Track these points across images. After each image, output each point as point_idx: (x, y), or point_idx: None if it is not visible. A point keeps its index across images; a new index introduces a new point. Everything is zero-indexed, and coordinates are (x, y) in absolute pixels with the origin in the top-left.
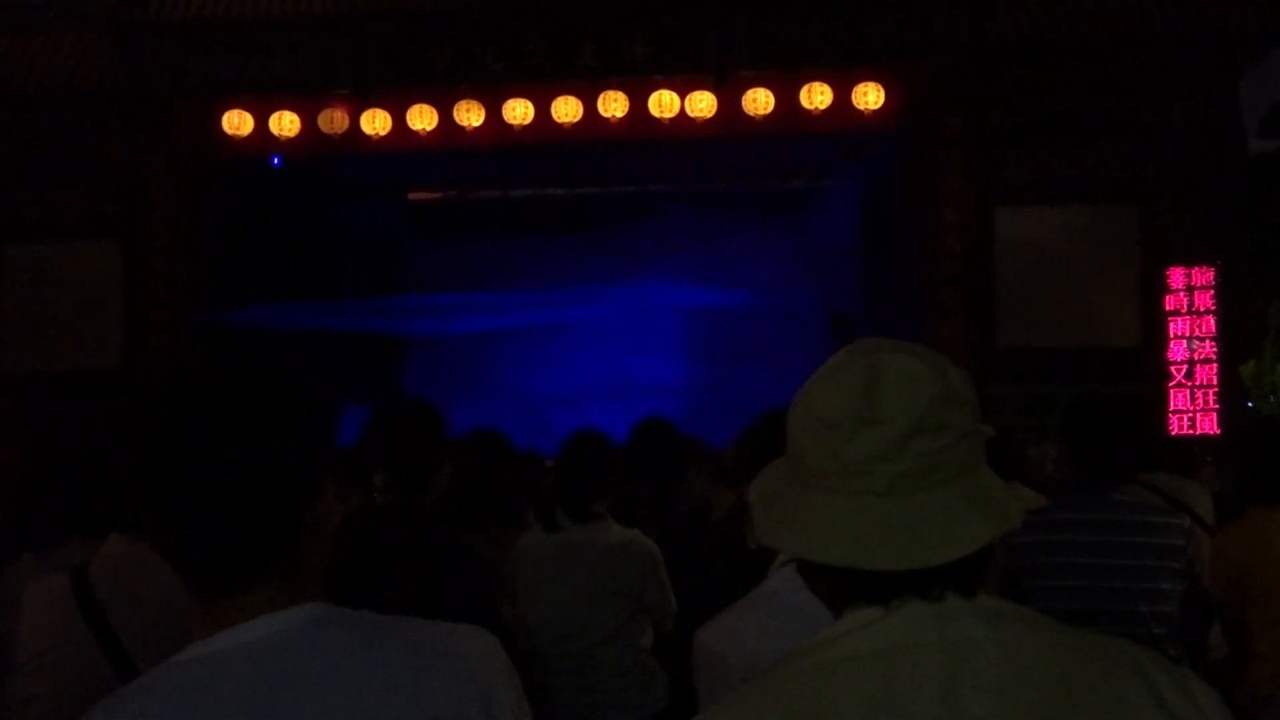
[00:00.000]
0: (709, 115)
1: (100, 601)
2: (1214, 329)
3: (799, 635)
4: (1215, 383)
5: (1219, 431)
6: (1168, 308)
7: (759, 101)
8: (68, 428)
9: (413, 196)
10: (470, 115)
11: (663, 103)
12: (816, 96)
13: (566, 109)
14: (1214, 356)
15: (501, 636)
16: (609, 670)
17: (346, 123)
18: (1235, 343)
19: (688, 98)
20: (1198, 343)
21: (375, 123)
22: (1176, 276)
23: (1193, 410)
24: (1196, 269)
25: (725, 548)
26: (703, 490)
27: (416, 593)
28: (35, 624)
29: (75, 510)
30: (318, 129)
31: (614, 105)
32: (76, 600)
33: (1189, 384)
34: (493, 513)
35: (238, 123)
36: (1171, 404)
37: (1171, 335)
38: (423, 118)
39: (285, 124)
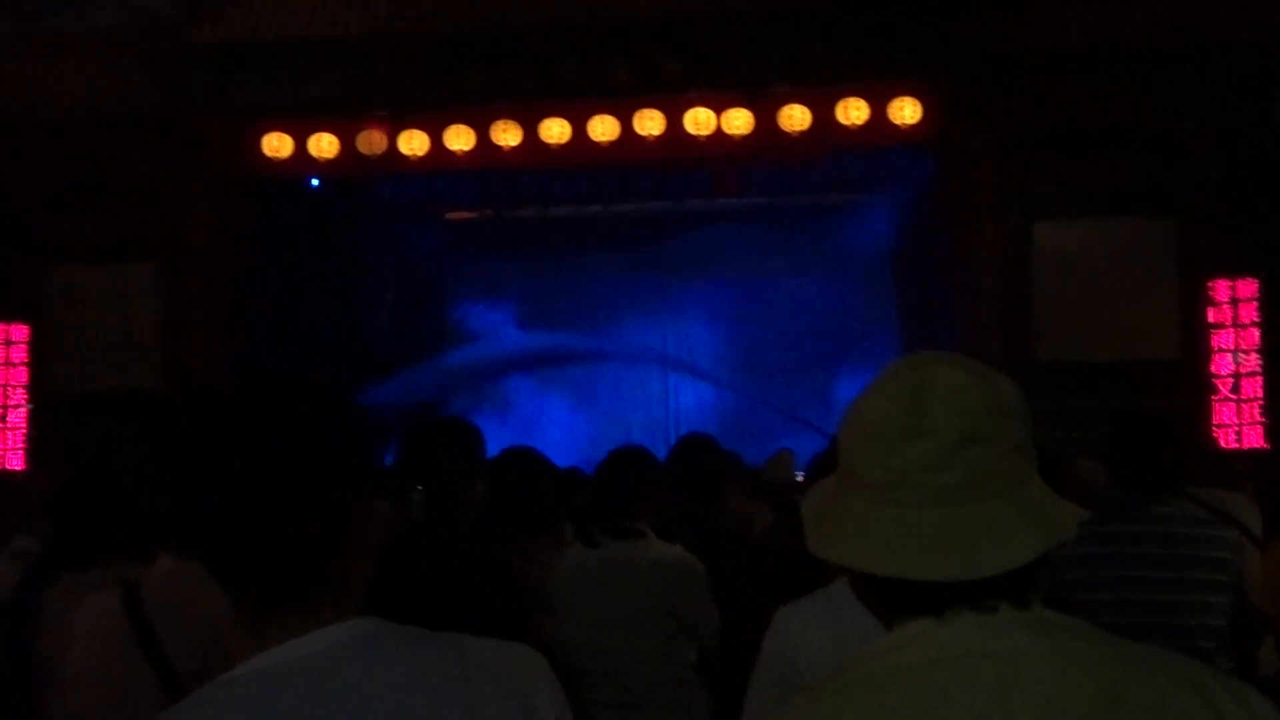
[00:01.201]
0: (745, 132)
1: (150, 618)
2: (1259, 341)
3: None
4: (1261, 396)
5: (1267, 445)
6: (1210, 320)
7: (795, 118)
8: (107, 448)
9: (450, 216)
10: (507, 135)
11: (698, 120)
12: (853, 112)
13: (602, 127)
14: (1259, 369)
15: (544, 653)
16: (650, 687)
17: (384, 143)
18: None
19: (723, 115)
20: (1242, 355)
21: (413, 143)
22: (1220, 289)
23: (1239, 424)
24: (1240, 281)
25: (766, 565)
26: (738, 506)
27: (459, 609)
28: (85, 640)
29: (114, 530)
30: (356, 150)
31: (649, 123)
32: (127, 617)
33: (1235, 398)
34: (526, 527)
35: (277, 145)
36: (1216, 418)
37: (1215, 348)
38: (460, 138)
39: (324, 145)
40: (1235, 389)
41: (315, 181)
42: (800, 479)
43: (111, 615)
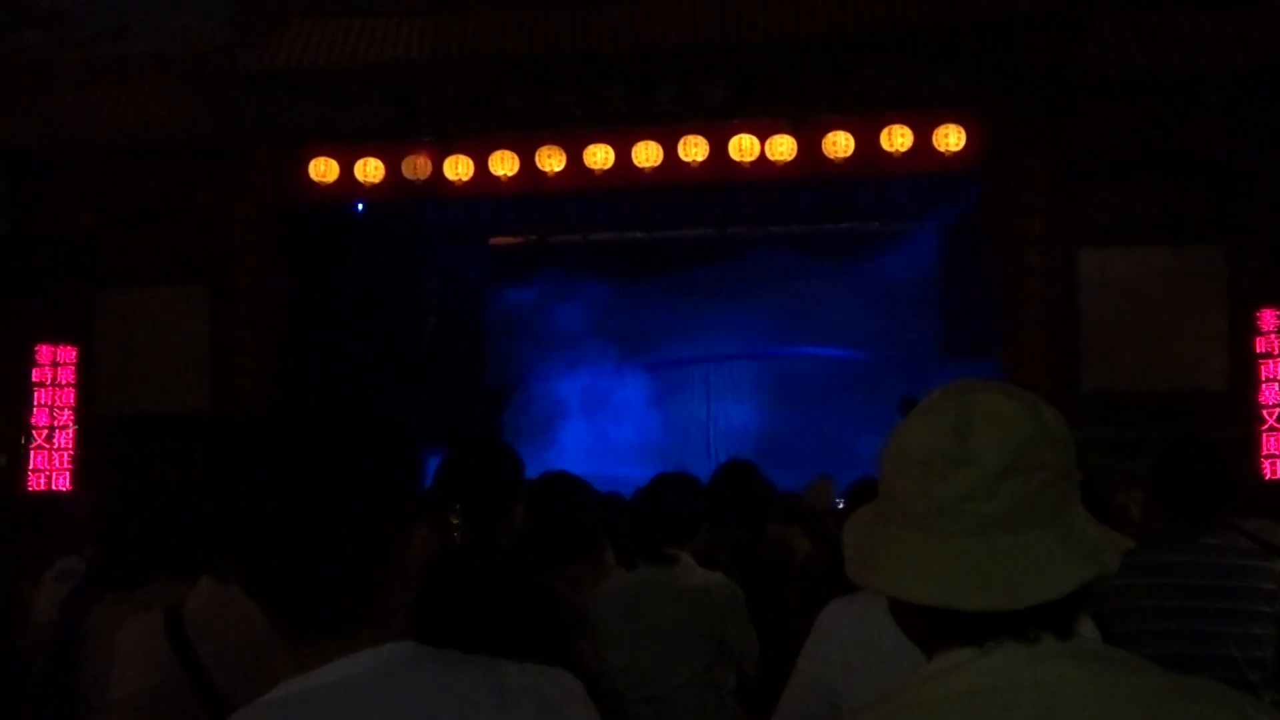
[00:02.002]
0: (789, 158)
1: (193, 641)
2: None
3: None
4: None
5: None
6: (1258, 350)
7: (839, 144)
8: (154, 469)
9: (494, 241)
10: (551, 160)
11: (742, 146)
12: (897, 139)
13: (646, 153)
14: None
15: (583, 678)
16: (690, 713)
17: (429, 169)
18: None
19: (767, 141)
20: None
21: (457, 168)
22: (1268, 318)
23: None
24: None
25: (807, 593)
26: (777, 533)
27: (497, 633)
28: (128, 661)
29: (159, 552)
30: (401, 175)
31: (694, 149)
32: (169, 638)
33: None
34: (567, 552)
35: (324, 170)
36: (1264, 448)
37: (1263, 378)
38: (504, 163)
39: (370, 170)
40: None
41: (361, 206)
42: (840, 506)
43: (154, 636)
